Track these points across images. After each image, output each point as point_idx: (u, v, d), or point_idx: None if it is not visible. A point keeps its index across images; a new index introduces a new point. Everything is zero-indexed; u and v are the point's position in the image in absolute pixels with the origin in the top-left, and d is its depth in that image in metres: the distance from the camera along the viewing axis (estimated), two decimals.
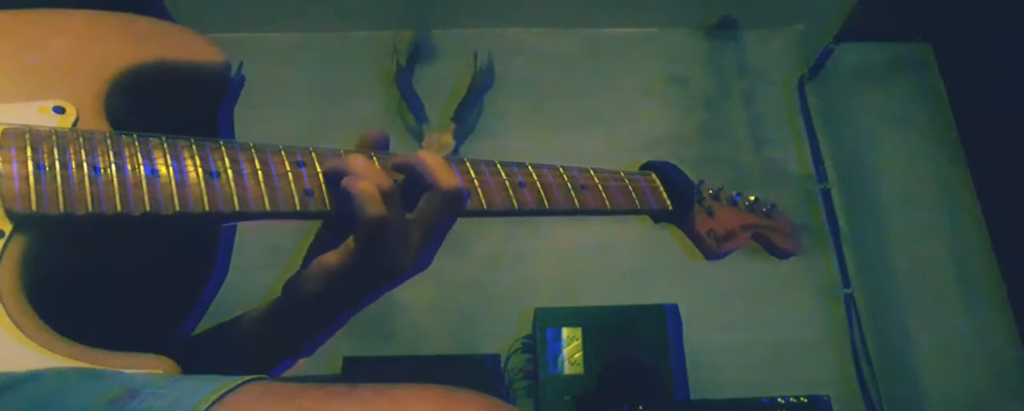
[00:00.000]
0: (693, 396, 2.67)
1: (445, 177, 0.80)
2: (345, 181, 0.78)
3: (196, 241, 0.93)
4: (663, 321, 2.68)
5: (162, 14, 0.95)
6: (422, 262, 0.82)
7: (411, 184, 0.81)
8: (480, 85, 3.30)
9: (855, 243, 3.16)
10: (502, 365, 2.80)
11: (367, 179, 0.78)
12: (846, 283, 3.10)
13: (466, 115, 3.24)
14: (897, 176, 3.07)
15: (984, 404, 2.75)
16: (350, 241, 0.79)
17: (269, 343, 0.89)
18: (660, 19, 3.45)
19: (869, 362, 2.99)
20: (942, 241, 2.97)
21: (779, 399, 2.48)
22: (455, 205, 0.81)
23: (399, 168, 0.83)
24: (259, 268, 2.72)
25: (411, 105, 3.24)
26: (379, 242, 0.78)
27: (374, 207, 0.77)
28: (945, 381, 2.79)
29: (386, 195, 0.78)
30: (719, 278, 2.99)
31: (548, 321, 2.70)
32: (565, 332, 2.68)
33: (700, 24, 3.49)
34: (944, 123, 3.10)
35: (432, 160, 0.81)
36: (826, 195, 3.22)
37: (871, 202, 3.09)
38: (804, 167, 3.28)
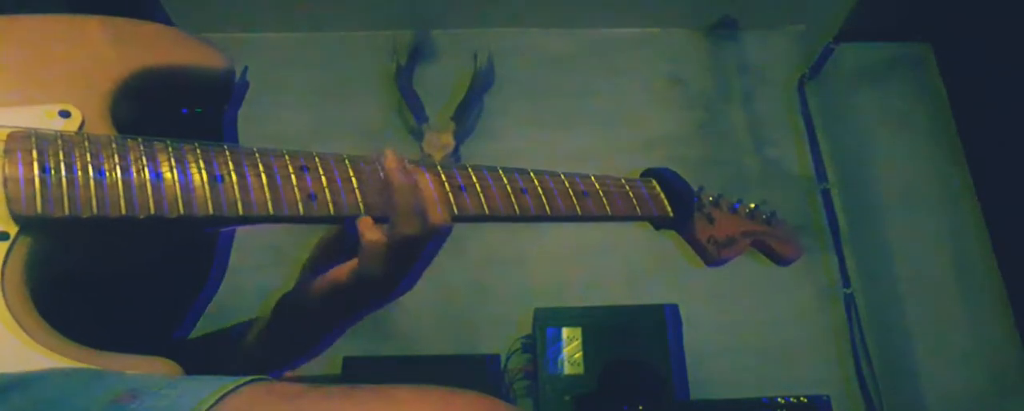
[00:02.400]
0: (693, 396, 2.67)
1: (435, 213, 0.79)
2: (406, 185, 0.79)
3: (195, 244, 0.94)
4: (663, 321, 2.68)
5: (163, 19, 0.96)
6: (409, 283, 0.83)
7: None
8: (480, 85, 3.30)
9: (855, 243, 3.16)
10: (502, 365, 2.80)
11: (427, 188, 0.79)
12: (846, 283, 3.10)
13: (466, 115, 3.24)
14: (897, 176, 3.07)
15: (984, 404, 2.75)
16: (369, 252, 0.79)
17: (255, 359, 0.89)
18: (660, 19, 3.45)
19: (869, 362, 2.99)
20: (942, 241, 2.97)
21: (779, 399, 2.48)
22: (441, 239, 0.81)
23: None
24: (259, 268, 2.73)
25: (411, 105, 3.24)
26: (417, 251, 0.78)
27: (438, 215, 0.78)
28: (945, 381, 2.79)
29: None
30: (719, 278, 2.99)
31: (548, 321, 2.70)
32: (565, 332, 2.68)
33: (700, 24, 3.49)
34: (944, 123, 3.10)
35: (428, 190, 0.80)
36: (826, 195, 3.22)
37: (871, 202, 3.09)
38: (804, 167, 3.28)
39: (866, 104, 3.17)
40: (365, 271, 0.79)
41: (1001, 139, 2.86)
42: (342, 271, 0.81)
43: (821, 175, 3.25)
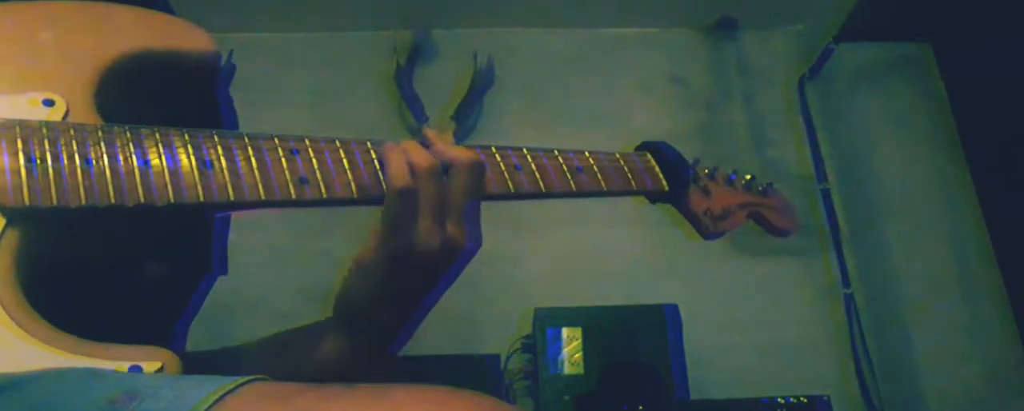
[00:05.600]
0: (693, 396, 2.66)
1: (459, 151, 0.83)
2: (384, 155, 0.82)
3: (191, 234, 0.93)
4: (663, 321, 2.68)
5: (164, 7, 0.95)
6: (471, 242, 0.83)
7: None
8: (480, 85, 3.29)
9: (855, 243, 3.16)
10: (502, 365, 2.80)
11: (401, 155, 0.80)
12: (846, 283, 3.10)
13: (466, 115, 3.24)
14: (897, 176, 3.07)
15: (983, 404, 2.75)
16: (377, 226, 0.80)
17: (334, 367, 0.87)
18: (660, 19, 3.45)
19: (869, 362, 2.98)
20: (942, 241, 2.97)
21: (779, 399, 2.48)
22: (478, 175, 0.83)
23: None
24: (259, 267, 2.73)
25: (411, 105, 3.24)
26: (404, 216, 0.79)
27: (401, 180, 0.79)
28: (945, 381, 2.79)
29: (419, 171, 0.79)
30: (719, 278, 2.99)
31: (548, 321, 2.69)
32: (565, 332, 2.67)
33: (700, 24, 3.48)
34: (944, 123, 3.09)
35: (443, 140, 0.84)
36: (826, 195, 3.22)
37: (871, 202, 3.09)
38: (804, 167, 3.28)
39: (866, 104, 3.17)
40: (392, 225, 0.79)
41: (1001, 139, 2.85)
42: (366, 248, 0.81)
43: (821, 175, 3.25)
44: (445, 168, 0.82)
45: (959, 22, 2.96)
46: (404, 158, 0.80)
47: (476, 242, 0.84)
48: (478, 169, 0.84)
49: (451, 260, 0.83)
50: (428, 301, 0.86)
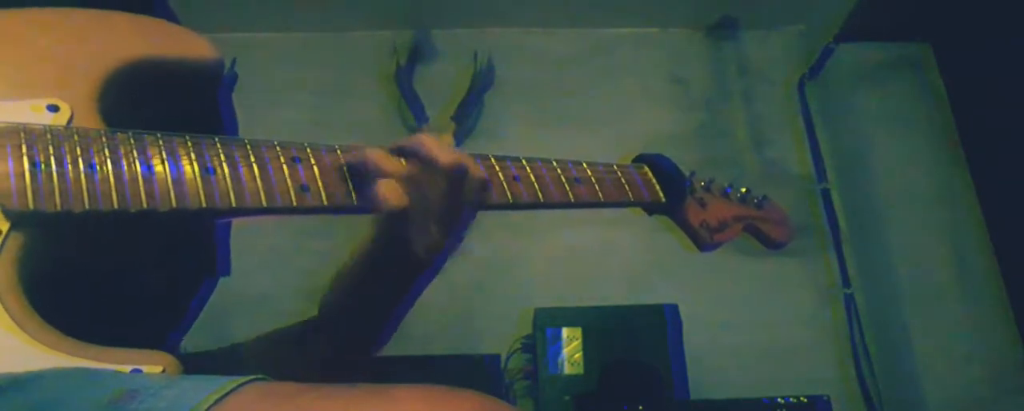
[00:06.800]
0: (693, 396, 2.66)
1: (443, 154, 0.82)
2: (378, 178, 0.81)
3: (193, 238, 0.93)
4: (663, 321, 2.68)
5: (168, 16, 0.95)
6: (448, 245, 0.84)
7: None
8: (480, 85, 3.29)
9: (855, 243, 3.16)
10: (502, 365, 2.80)
11: (389, 171, 0.80)
12: (846, 283, 3.10)
13: (466, 115, 3.24)
14: (897, 176, 3.07)
15: (984, 404, 2.75)
16: (368, 236, 0.81)
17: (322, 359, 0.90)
18: (660, 19, 3.45)
19: (869, 362, 2.99)
20: (942, 241, 2.96)
21: (779, 399, 2.48)
22: (458, 180, 0.82)
23: (399, 152, 0.84)
24: (258, 268, 2.73)
25: (411, 105, 3.24)
26: (400, 229, 0.80)
27: (397, 199, 0.80)
28: (945, 381, 2.79)
29: (407, 181, 0.80)
30: (719, 278, 2.99)
31: (548, 321, 2.69)
32: (565, 332, 2.68)
33: (700, 24, 3.48)
34: (944, 123, 3.09)
35: (429, 140, 0.83)
36: (826, 195, 3.22)
37: (871, 202, 3.09)
38: (804, 167, 3.28)
39: (866, 104, 3.17)
40: (387, 216, 0.80)
41: (1001, 139, 2.85)
42: (367, 233, 0.82)
43: (821, 175, 3.25)
44: (427, 170, 0.82)
45: (959, 22, 2.97)
46: (389, 177, 0.81)
47: (456, 242, 0.85)
48: (459, 171, 0.83)
49: (430, 262, 0.84)
50: (408, 300, 0.89)
